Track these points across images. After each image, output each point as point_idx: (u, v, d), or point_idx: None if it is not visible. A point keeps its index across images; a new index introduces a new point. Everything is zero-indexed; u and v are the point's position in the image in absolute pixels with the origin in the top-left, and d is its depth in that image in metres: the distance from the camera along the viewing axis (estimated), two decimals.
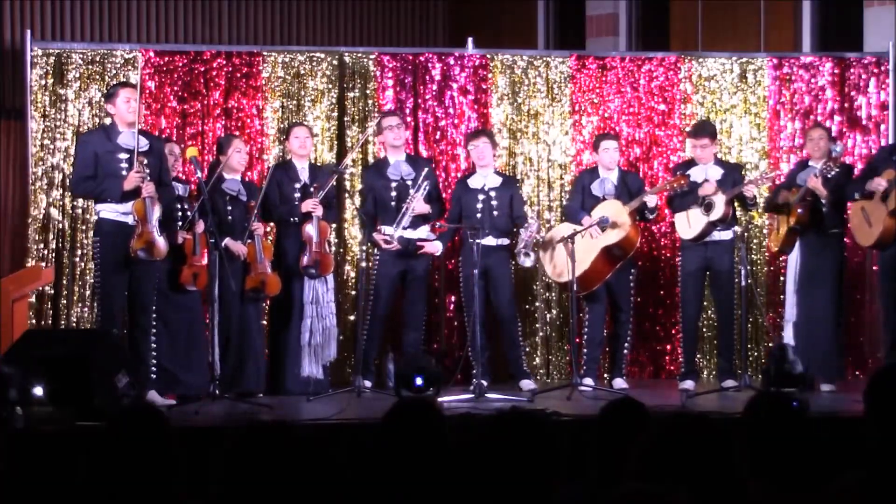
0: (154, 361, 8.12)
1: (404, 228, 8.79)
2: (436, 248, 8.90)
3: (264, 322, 8.86)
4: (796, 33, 11.02)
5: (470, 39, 9.81)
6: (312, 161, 9.11)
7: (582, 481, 3.49)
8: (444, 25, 12.86)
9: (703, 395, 8.43)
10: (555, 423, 3.36)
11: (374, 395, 8.19)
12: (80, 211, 9.03)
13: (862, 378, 9.06)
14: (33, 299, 8.89)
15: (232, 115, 9.36)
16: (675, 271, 9.37)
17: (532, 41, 12.78)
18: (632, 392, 8.19)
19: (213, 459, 3.05)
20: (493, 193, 8.99)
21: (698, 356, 9.35)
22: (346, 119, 9.48)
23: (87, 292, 8.95)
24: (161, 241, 7.88)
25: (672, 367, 9.63)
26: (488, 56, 9.71)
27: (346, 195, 9.22)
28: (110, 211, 7.90)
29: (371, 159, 9.41)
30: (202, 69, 9.36)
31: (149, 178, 7.84)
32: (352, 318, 9.19)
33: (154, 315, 8.14)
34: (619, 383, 8.97)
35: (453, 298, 9.46)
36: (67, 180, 8.77)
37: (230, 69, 9.39)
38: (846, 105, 9.79)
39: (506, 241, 9.00)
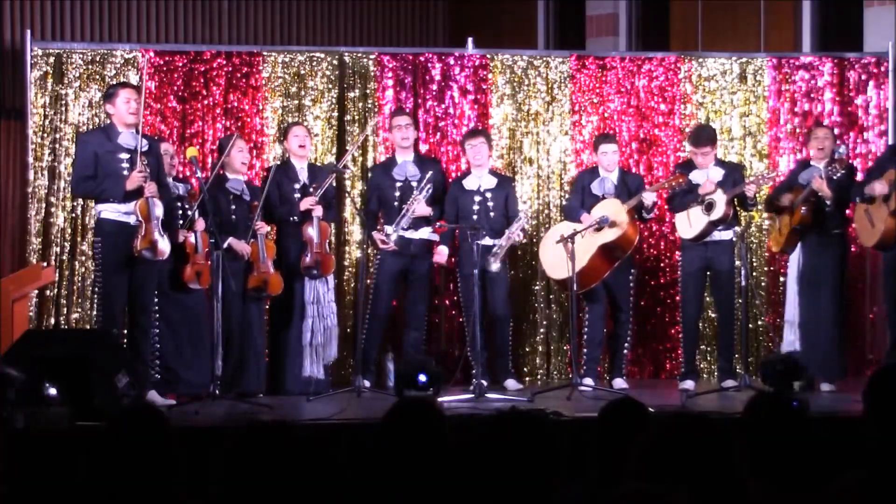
0: (157, 361, 8.13)
1: (403, 229, 8.79)
2: (443, 257, 8.90)
3: (265, 322, 8.86)
4: (796, 33, 11.02)
5: (470, 39, 9.81)
6: (312, 161, 9.11)
7: (582, 481, 3.49)
8: (444, 25, 12.86)
9: (703, 395, 8.42)
10: (555, 423, 3.36)
11: (374, 395, 8.19)
12: (80, 211, 9.03)
13: (862, 378, 9.05)
14: (33, 299, 8.88)
15: (232, 115, 9.36)
16: (675, 271, 9.37)
17: (532, 41, 12.78)
18: (632, 392, 8.18)
19: (213, 459, 3.05)
20: (488, 194, 9.00)
21: (698, 356, 9.34)
22: (346, 119, 9.48)
23: (88, 292, 8.95)
24: (164, 241, 7.89)
25: (672, 367, 9.63)
26: (488, 56, 9.71)
27: (346, 195, 9.22)
28: (111, 211, 7.90)
29: (371, 159, 9.42)
30: (202, 69, 9.35)
31: (150, 178, 7.85)
32: (351, 317, 9.19)
33: (157, 314, 8.15)
34: (619, 383, 8.97)
35: (456, 299, 9.46)
36: (68, 180, 8.76)
37: (230, 69, 9.39)
38: (846, 105, 9.79)
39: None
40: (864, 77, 9.79)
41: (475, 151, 8.99)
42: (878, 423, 3.34)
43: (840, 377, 8.72)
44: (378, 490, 3.54)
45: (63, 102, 9.11)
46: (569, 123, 9.70)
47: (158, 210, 7.87)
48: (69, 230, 9.06)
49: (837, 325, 8.80)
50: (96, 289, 8.13)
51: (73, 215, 9.06)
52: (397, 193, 8.91)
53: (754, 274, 9.50)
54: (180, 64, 9.32)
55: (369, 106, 9.50)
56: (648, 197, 8.80)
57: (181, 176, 8.66)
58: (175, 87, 9.30)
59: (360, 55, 9.63)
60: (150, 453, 3.32)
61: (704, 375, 9.49)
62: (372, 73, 9.54)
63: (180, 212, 8.36)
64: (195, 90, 9.32)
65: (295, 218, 8.69)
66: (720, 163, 9.03)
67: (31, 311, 8.82)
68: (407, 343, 8.93)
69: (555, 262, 8.84)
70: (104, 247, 7.91)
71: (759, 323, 9.62)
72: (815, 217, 8.66)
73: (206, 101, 9.34)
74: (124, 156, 7.94)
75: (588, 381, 8.81)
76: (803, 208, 8.65)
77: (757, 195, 8.89)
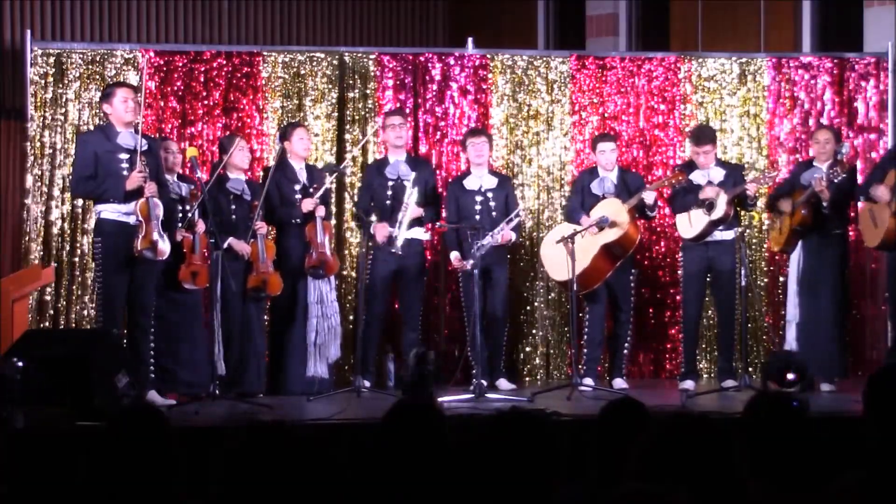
0: (152, 361, 8.12)
1: (408, 230, 8.79)
2: (458, 262, 8.89)
3: (265, 322, 8.85)
4: (796, 33, 11.02)
5: (470, 39, 9.81)
6: (312, 161, 9.12)
7: (582, 481, 3.49)
8: (444, 25, 12.86)
9: (703, 395, 8.42)
10: (555, 423, 3.35)
11: (374, 395, 8.19)
12: (80, 211, 9.03)
13: (862, 378, 9.05)
14: (33, 299, 8.88)
15: (232, 115, 9.36)
16: (675, 271, 9.37)
17: (532, 41, 12.78)
18: (632, 392, 8.18)
19: (213, 459, 3.05)
20: (490, 194, 9.01)
21: (698, 356, 9.34)
22: (346, 119, 9.47)
23: (88, 292, 8.95)
24: (164, 241, 7.89)
25: (672, 367, 9.63)
26: (488, 56, 9.71)
27: (346, 195, 9.22)
28: (111, 211, 7.90)
29: (371, 160, 9.41)
30: (202, 69, 9.35)
31: (149, 177, 7.85)
32: (351, 317, 9.18)
33: (153, 314, 8.14)
34: (619, 383, 8.97)
35: (450, 297, 9.46)
36: (67, 180, 8.76)
37: (230, 69, 9.38)
38: (846, 105, 9.79)
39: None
40: (864, 77, 9.79)
41: (476, 150, 8.99)
42: (878, 423, 3.34)
43: (840, 377, 8.72)
44: (378, 490, 3.54)
45: (63, 102, 9.10)
46: (569, 123, 9.70)
47: (159, 210, 7.87)
48: (69, 230, 9.06)
49: (837, 325, 8.80)
50: (96, 289, 8.13)
51: (73, 215, 9.06)
52: (389, 192, 8.90)
53: (754, 274, 9.50)
54: (180, 64, 9.32)
55: (369, 106, 9.49)
56: (649, 196, 8.80)
57: (185, 173, 8.61)
58: (175, 87, 9.30)
59: (360, 55, 9.63)
60: (150, 453, 3.32)
61: (704, 375, 9.49)
62: (372, 73, 9.54)
63: (180, 213, 8.35)
64: (195, 90, 9.32)
65: (297, 220, 8.68)
66: (721, 163, 9.03)
67: (30, 312, 8.81)
68: (405, 344, 8.94)
69: (556, 263, 8.83)
70: (104, 247, 7.91)
71: (759, 322, 9.62)
72: (816, 218, 8.66)
73: (206, 101, 9.34)
74: (124, 156, 7.94)
75: (588, 381, 8.81)
76: (804, 209, 8.65)
77: (757, 195, 8.89)
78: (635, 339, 9.41)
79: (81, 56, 9.17)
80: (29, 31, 9.58)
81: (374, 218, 8.70)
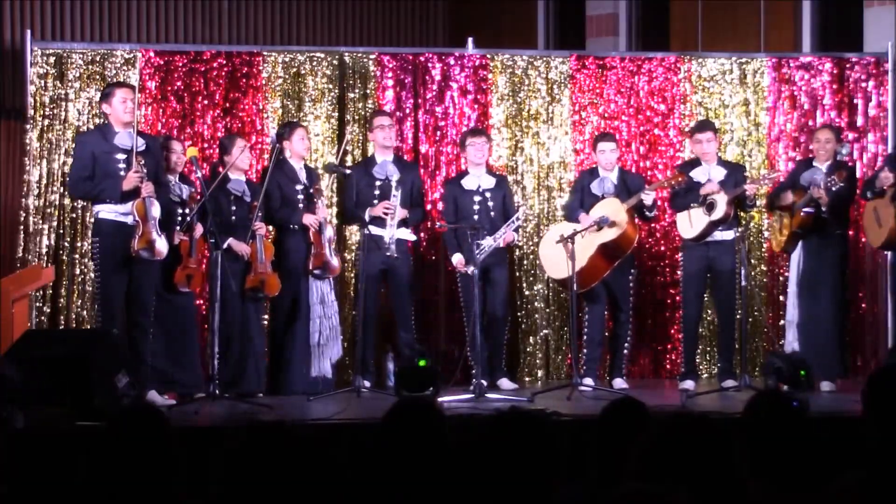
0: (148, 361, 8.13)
1: (397, 228, 8.78)
2: (461, 264, 8.87)
3: (265, 322, 8.85)
4: (796, 33, 11.02)
5: (470, 39, 9.81)
6: (312, 162, 9.11)
7: (582, 481, 3.49)
8: (444, 25, 12.86)
9: (703, 395, 8.42)
10: (555, 423, 3.35)
11: (374, 395, 8.18)
12: (79, 211, 9.03)
13: (862, 378, 9.05)
14: (33, 299, 8.87)
15: (232, 115, 9.36)
16: (675, 271, 9.37)
17: (532, 41, 12.78)
18: (632, 392, 8.18)
19: (213, 459, 3.05)
20: (488, 194, 9.01)
21: (698, 356, 9.34)
22: (346, 119, 9.47)
23: (88, 292, 8.94)
24: (161, 241, 7.89)
25: (672, 367, 9.63)
26: (488, 56, 9.71)
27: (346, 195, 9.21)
28: (109, 211, 7.90)
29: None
30: (202, 69, 9.35)
31: (147, 177, 7.85)
32: (350, 317, 9.18)
33: None
34: (619, 383, 8.97)
35: (442, 294, 9.46)
36: (67, 180, 8.75)
37: (230, 69, 9.38)
38: (846, 105, 9.79)
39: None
40: (863, 77, 9.79)
41: (476, 150, 8.98)
42: (877, 423, 3.34)
43: (840, 377, 8.72)
44: (378, 490, 3.54)
45: (63, 102, 9.10)
46: (569, 123, 9.70)
47: (156, 210, 7.87)
48: (69, 230, 9.06)
49: (837, 325, 8.81)
50: (95, 289, 8.13)
51: (73, 215, 9.06)
52: (377, 192, 8.88)
53: (754, 274, 9.50)
54: (180, 64, 9.32)
55: (369, 106, 9.49)
56: (648, 196, 8.80)
57: (186, 172, 8.60)
58: (175, 87, 9.29)
59: (360, 55, 9.63)
60: (150, 453, 3.32)
61: (704, 375, 9.49)
62: (372, 73, 9.54)
63: (180, 216, 8.33)
64: (195, 90, 9.32)
65: (295, 227, 8.66)
66: (722, 162, 9.03)
67: (30, 312, 8.80)
68: (401, 344, 8.94)
69: (555, 262, 8.83)
70: (102, 247, 7.91)
71: (759, 323, 9.61)
72: (816, 220, 8.66)
73: (206, 101, 9.34)
74: (121, 156, 7.95)
75: (588, 381, 8.81)
76: (803, 212, 8.66)
77: (756, 196, 8.89)
78: (635, 339, 9.40)
79: (81, 56, 9.17)
80: (29, 31, 9.58)
81: (367, 217, 8.68)
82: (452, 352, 9.37)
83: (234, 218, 8.48)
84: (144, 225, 7.81)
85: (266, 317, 8.88)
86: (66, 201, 9.03)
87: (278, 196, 8.66)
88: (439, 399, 7.63)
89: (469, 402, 7.98)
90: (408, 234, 8.99)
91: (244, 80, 9.39)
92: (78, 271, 9.03)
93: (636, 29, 12.29)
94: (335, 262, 8.72)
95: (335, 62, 9.51)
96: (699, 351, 9.38)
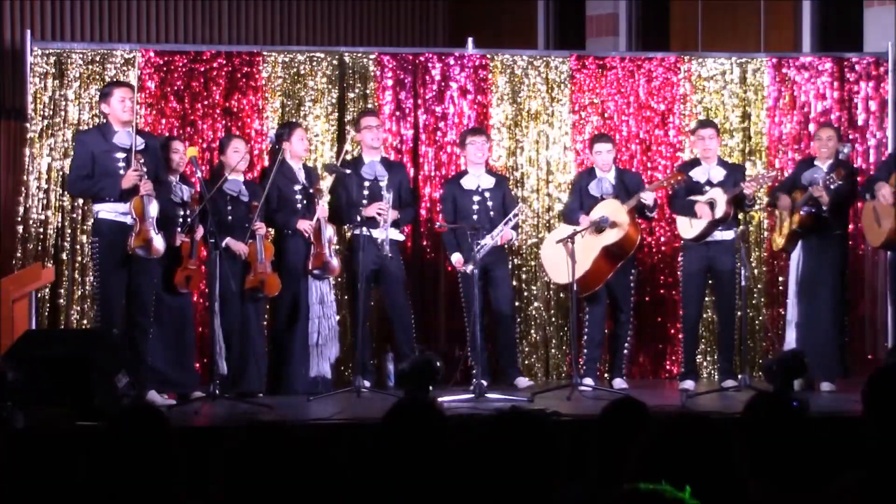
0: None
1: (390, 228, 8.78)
2: (460, 263, 8.86)
3: (265, 322, 8.85)
4: (796, 33, 11.02)
5: (470, 39, 9.81)
6: (311, 162, 9.11)
7: (582, 481, 3.49)
8: (444, 25, 12.86)
9: (703, 395, 8.42)
10: (555, 423, 3.35)
11: (374, 395, 8.18)
12: (79, 211, 9.03)
13: (862, 378, 9.04)
14: (33, 299, 8.87)
15: (232, 115, 9.36)
16: (675, 271, 9.37)
17: (532, 41, 12.78)
18: (632, 392, 8.18)
19: (213, 459, 3.05)
20: (487, 194, 9.01)
21: (698, 356, 9.34)
22: (346, 119, 9.47)
23: (87, 292, 8.94)
24: (158, 239, 7.89)
25: (672, 367, 9.63)
26: (488, 56, 9.71)
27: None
28: (109, 211, 7.90)
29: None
30: (202, 69, 9.35)
31: (146, 176, 7.85)
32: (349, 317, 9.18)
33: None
34: (619, 383, 8.97)
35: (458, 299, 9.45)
36: (66, 179, 8.75)
37: (230, 69, 9.39)
38: (845, 105, 9.79)
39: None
40: (863, 77, 9.79)
41: (476, 149, 8.98)
42: (878, 423, 3.34)
43: (840, 377, 8.72)
44: (378, 490, 3.54)
45: (63, 102, 9.10)
46: (569, 123, 9.70)
47: (153, 208, 7.86)
48: (69, 230, 9.06)
49: (837, 325, 8.80)
50: (95, 289, 8.13)
51: (73, 215, 9.06)
52: (366, 192, 8.86)
53: (754, 274, 9.50)
54: (180, 64, 9.32)
55: (369, 106, 9.49)
56: (648, 196, 8.80)
57: (187, 173, 8.59)
58: (175, 87, 9.29)
59: (360, 55, 9.63)
60: (150, 453, 3.32)
61: (704, 375, 9.49)
62: (372, 73, 9.54)
63: (181, 218, 8.31)
64: (195, 90, 9.32)
65: (289, 232, 8.65)
66: (721, 162, 9.03)
67: (30, 312, 8.81)
68: (399, 344, 8.94)
69: (556, 264, 8.83)
70: (101, 247, 7.91)
71: (759, 323, 9.61)
72: (816, 219, 8.66)
73: (206, 101, 9.34)
74: (120, 155, 7.95)
75: (588, 381, 8.81)
76: (803, 210, 8.65)
77: (756, 196, 8.89)
78: (635, 339, 9.41)
79: (81, 56, 9.17)
80: (29, 31, 9.59)
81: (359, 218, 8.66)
82: (452, 352, 9.38)
83: (230, 218, 8.46)
84: (142, 223, 7.80)
85: (266, 317, 8.87)
86: (66, 201, 9.03)
87: (276, 198, 8.65)
88: (439, 399, 7.63)
89: (469, 402, 7.98)
90: (398, 235, 8.99)
91: (244, 80, 9.39)
92: (78, 271, 9.03)
93: (636, 29, 12.30)
94: (335, 262, 8.72)
95: (335, 62, 9.51)
96: (699, 351, 9.39)
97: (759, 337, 9.68)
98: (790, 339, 8.91)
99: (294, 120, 9.20)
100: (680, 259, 9.13)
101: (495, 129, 9.60)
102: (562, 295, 9.43)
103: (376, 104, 9.49)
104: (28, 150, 9.05)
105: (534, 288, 9.61)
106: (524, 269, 9.59)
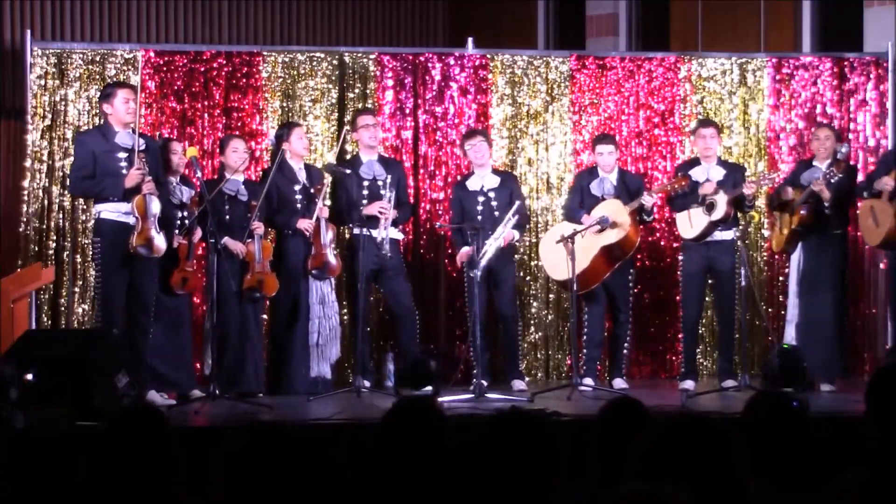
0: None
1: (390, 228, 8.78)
2: (465, 255, 8.85)
3: (264, 322, 8.84)
4: (796, 33, 11.02)
5: (470, 39, 9.81)
6: (311, 161, 9.11)
7: (582, 481, 3.49)
8: (444, 25, 12.87)
9: (703, 395, 8.42)
10: (555, 423, 3.36)
11: (374, 395, 8.18)
12: (80, 210, 9.03)
13: (862, 378, 9.05)
14: (33, 299, 8.88)
15: (232, 115, 9.36)
16: (675, 271, 9.36)
17: (532, 41, 12.79)
18: (632, 392, 8.18)
19: (213, 459, 3.05)
20: (491, 194, 8.99)
21: (698, 356, 9.34)
22: (346, 119, 9.47)
23: (87, 292, 8.95)
24: (160, 238, 7.89)
25: (672, 367, 9.63)
26: (488, 56, 9.71)
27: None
28: (111, 211, 7.90)
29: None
30: (202, 69, 9.35)
31: (148, 175, 7.85)
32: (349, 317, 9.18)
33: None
34: (619, 383, 8.97)
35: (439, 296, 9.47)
36: (67, 180, 8.75)
37: (230, 69, 9.39)
38: (845, 105, 9.79)
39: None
40: (863, 77, 9.79)
41: (475, 151, 8.98)
42: (878, 423, 3.34)
43: (840, 377, 8.72)
44: (378, 490, 3.54)
45: (63, 102, 9.10)
46: (569, 123, 9.70)
47: (155, 207, 7.86)
48: (69, 230, 9.06)
49: (837, 325, 8.81)
50: (96, 288, 8.13)
51: (73, 215, 9.06)
52: (365, 192, 8.85)
53: (754, 274, 9.50)
54: (180, 64, 9.32)
55: (369, 106, 9.48)
56: (648, 199, 8.79)
57: (187, 174, 8.58)
58: (175, 87, 9.30)
59: (360, 55, 9.63)
60: (150, 453, 3.32)
61: (704, 375, 9.49)
62: (372, 73, 9.54)
63: (179, 220, 8.31)
64: (195, 90, 9.32)
65: (289, 232, 8.65)
66: (721, 162, 9.03)
67: (30, 312, 8.81)
68: (401, 342, 8.94)
69: (556, 262, 8.83)
70: (103, 247, 7.91)
71: (759, 323, 9.61)
72: (816, 218, 8.66)
73: (206, 101, 9.34)
74: (122, 155, 7.94)
75: (588, 381, 8.81)
76: (803, 210, 8.65)
77: (755, 196, 8.88)
78: (635, 339, 9.41)
79: (81, 56, 9.17)
80: (29, 31, 9.59)
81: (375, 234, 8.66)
82: (452, 352, 9.38)
83: (228, 217, 8.46)
84: (144, 221, 7.80)
85: (265, 317, 8.87)
86: (67, 201, 9.04)
87: (276, 198, 8.64)
88: (439, 399, 7.63)
89: (469, 402, 7.98)
90: (397, 234, 8.98)
91: (244, 80, 9.39)
92: (78, 271, 9.03)
93: (636, 29, 12.30)
94: (335, 262, 8.72)
95: (335, 62, 9.51)
96: (699, 351, 9.39)
97: (760, 337, 9.67)
98: (789, 339, 8.91)
99: (294, 120, 9.20)
100: (680, 259, 9.13)
101: (495, 129, 9.60)
102: (562, 295, 9.43)
103: (376, 104, 9.49)
104: (28, 151, 9.05)
105: (534, 288, 9.60)
106: (524, 268, 9.59)
